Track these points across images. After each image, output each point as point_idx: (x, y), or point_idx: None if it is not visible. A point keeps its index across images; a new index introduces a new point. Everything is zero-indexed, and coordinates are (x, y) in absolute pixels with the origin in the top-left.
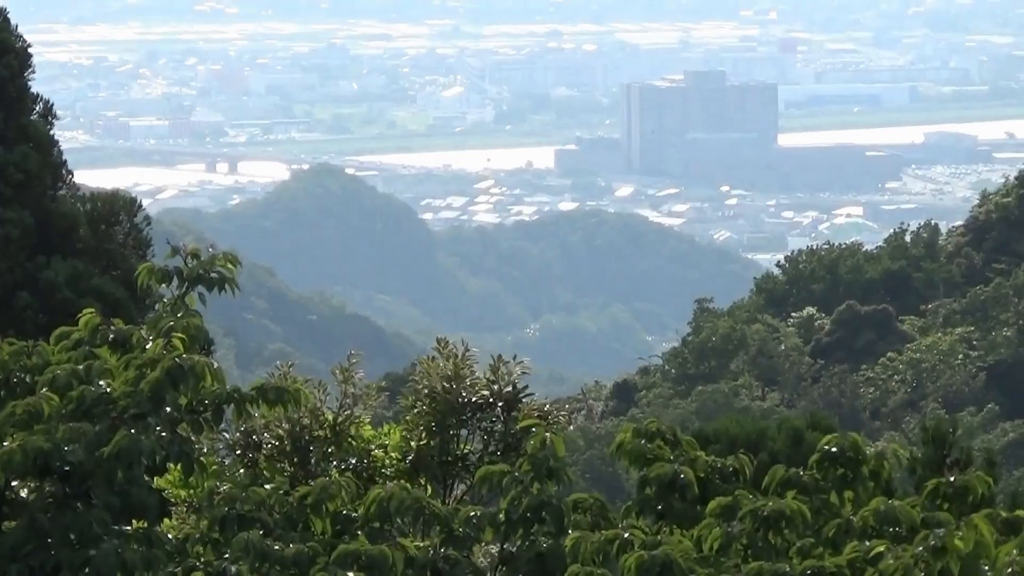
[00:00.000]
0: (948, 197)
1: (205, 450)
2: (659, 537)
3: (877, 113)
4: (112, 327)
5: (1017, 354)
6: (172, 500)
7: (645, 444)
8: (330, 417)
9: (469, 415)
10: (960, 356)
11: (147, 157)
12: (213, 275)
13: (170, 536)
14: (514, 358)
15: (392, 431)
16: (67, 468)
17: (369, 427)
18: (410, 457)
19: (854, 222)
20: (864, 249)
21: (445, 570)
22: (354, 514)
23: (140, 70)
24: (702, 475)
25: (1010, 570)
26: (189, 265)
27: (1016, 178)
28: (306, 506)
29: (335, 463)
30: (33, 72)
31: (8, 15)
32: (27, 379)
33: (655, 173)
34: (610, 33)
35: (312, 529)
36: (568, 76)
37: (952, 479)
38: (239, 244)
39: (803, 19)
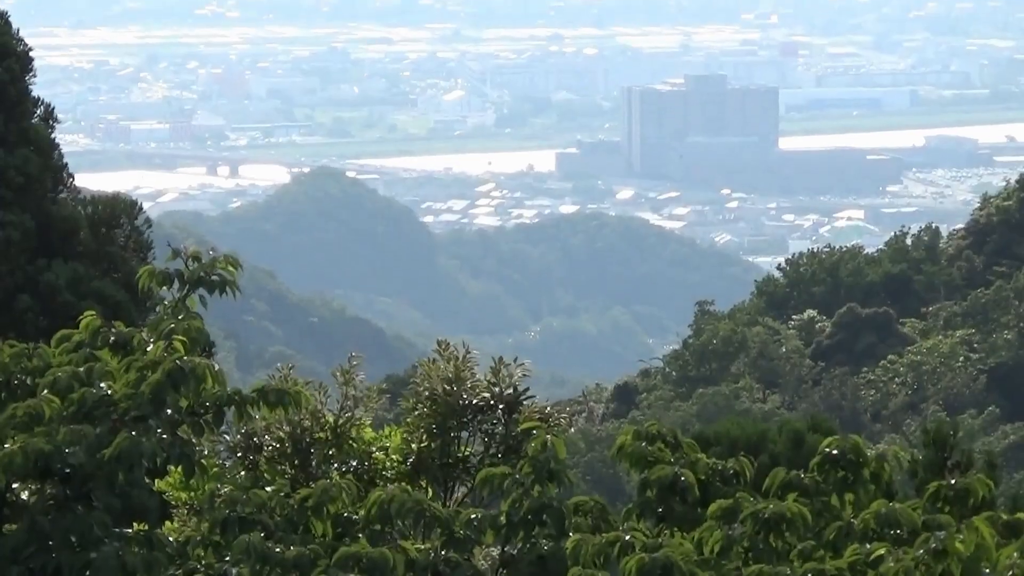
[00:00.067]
0: (949, 200)
1: (206, 452)
2: (660, 540)
3: (878, 116)
4: (113, 330)
5: (1018, 357)
6: (173, 502)
7: (646, 446)
8: (331, 419)
9: (470, 417)
10: (961, 359)
11: (148, 160)
12: (214, 278)
13: (171, 539)
14: (515, 360)
15: (393, 433)
16: (68, 470)
17: (370, 429)
18: (411, 459)
19: (855, 225)
20: (865, 252)
21: (446, 573)
22: (355, 516)
23: (141, 74)
24: (703, 477)
25: (1011, 573)
26: (190, 268)
27: (1017, 181)
28: (307, 508)
29: (336, 465)
30: (34, 75)
31: (9, 18)
32: (28, 381)
33: (656, 176)
34: (611, 37)
35: (313, 531)
36: (569, 80)
37: (953, 482)
38: (240, 247)
39: (804, 23)
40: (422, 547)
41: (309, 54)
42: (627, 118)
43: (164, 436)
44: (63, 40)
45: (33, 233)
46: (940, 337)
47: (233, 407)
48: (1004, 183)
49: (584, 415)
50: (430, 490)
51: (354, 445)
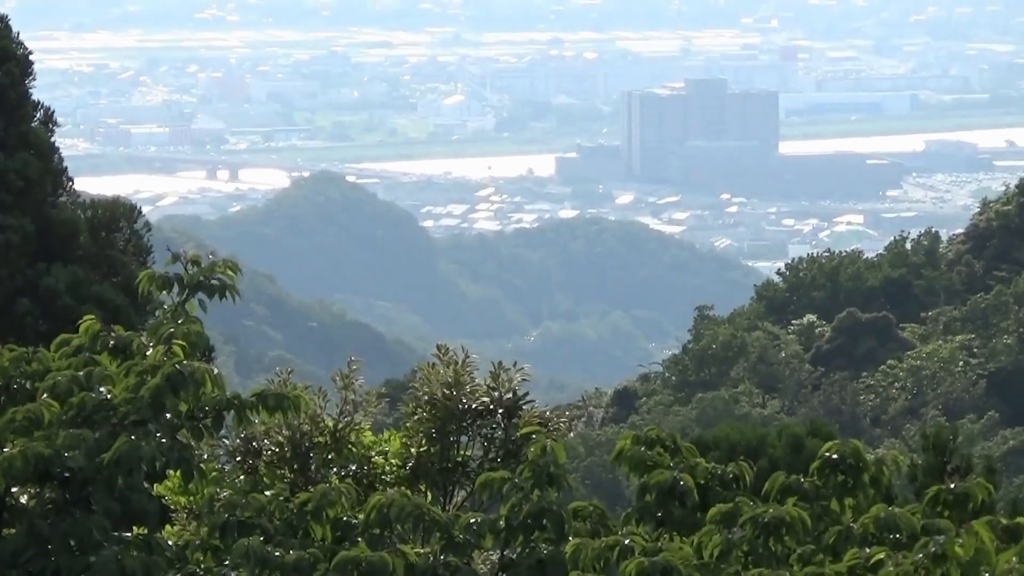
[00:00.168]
0: (948, 205)
1: (205, 456)
2: (659, 544)
3: (878, 121)
4: (112, 334)
5: (1017, 361)
6: (172, 507)
7: (645, 451)
8: (330, 424)
9: (469, 422)
10: (960, 363)
11: (148, 164)
12: (213, 282)
13: (170, 543)
14: (514, 365)
15: (392, 438)
16: (67, 474)
17: (369, 434)
18: (410, 464)
19: (855, 230)
20: (865, 257)
21: None
22: (354, 521)
23: (141, 77)
24: (702, 482)
25: None
26: (189, 272)
27: (1016, 186)
28: (306, 513)
29: (335, 469)
30: (34, 79)
31: (9, 22)
32: (27, 385)
33: (655, 181)
34: (611, 41)
35: (312, 536)
36: (569, 84)
37: (952, 486)
38: (239, 251)
39: (804, 27)
40: (421, 551)
41: (309, 58)
42: (627, 122)
43: (163, 440)
44: (63, 44)
45: (33, 237)
46: (940, 342)
47: (232, 411)
48: (1004, 188)
49: (583, 419)
50: (429, 494)
51: (353, 449)
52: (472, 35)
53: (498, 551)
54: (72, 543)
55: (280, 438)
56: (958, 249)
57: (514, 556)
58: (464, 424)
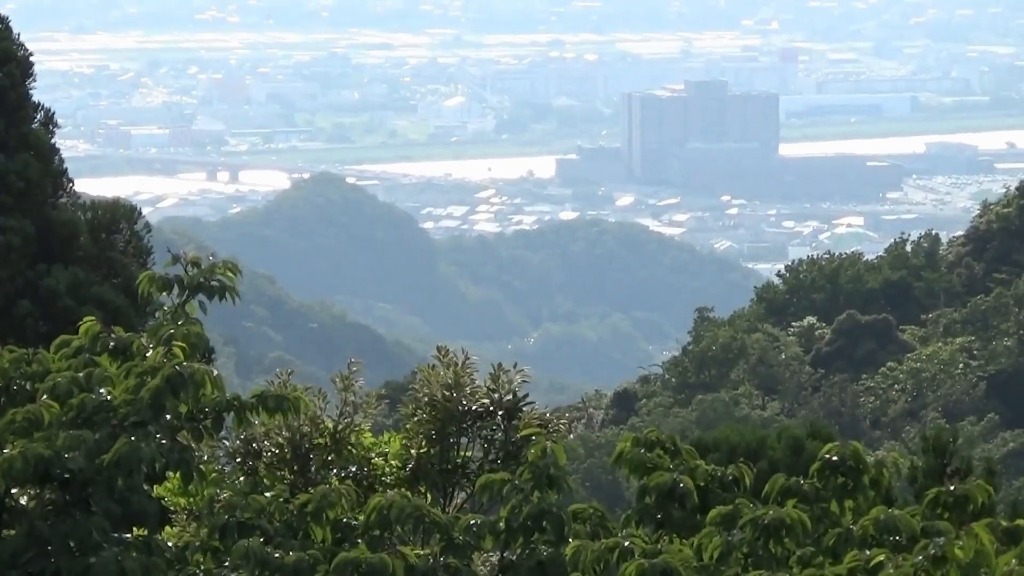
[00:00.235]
0: (949, 207)
1: (205, 458)
2: (659, 546)
3: (878, 123)
4: (113, 335)
5: (1017, 364)
6: (172, 508)
7: (645, 453)
8: (330, 425)
9: (469, 423)
10: (960, 366)
11: (148, 166)
12: (213, 283)
13: (170, 544)
14: (514, 367)
15: (392, 439)
16: (67, 475)
17: (369, 435)
18: (410, 465)
19: (855, 232)
20: (865, 259)
21: None
22: (354, 522)
23: (141, 79)
24: (702, 484)
25: None
26: (190, 273)
27: (1017, 188)
28: (306, 514)
29: (335, 471)
30: (34, 80)
31: (9, 23)
32: (27, 386)
33: (656, 183)
34: (611, 43)
35: (312, 537)
36: (569, 85)
37: (952, 488)
38: (239, 252)
39: (804, 29)
40: (421, 553)
41: (309, 59)
42: (627, 124)
43: (163, 441)
44: (63, 45)
45: (33, 238)
46: (940, 344)
47: (232, 413)
48: (1004, 190)
49: (583, 421)
50: (429, 496)
51: (353, 451)
52: (472, 37)
53: (498, 553)
54: (72, 544)
55: (280, 439)
56: (958, 251)
57: (514, 558)
58: (464, 426)
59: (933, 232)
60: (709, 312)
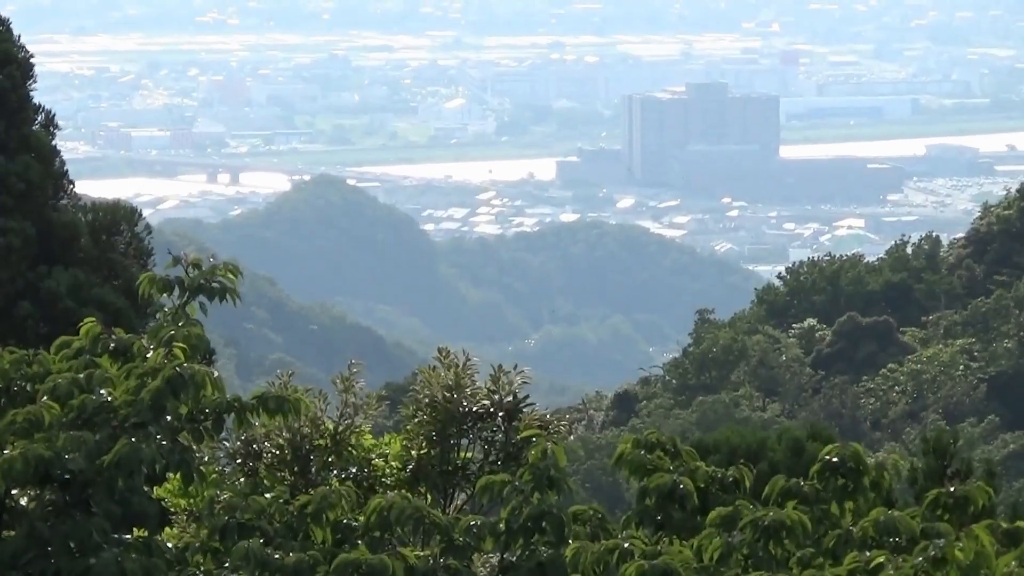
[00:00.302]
0: (949, 209)
1: (205, 459)
2: (659, 547)
3: (879, 125)
4: (113, 336)
5: (1018, 365)
6: (172, 509)
7: (645, 455)
8: (330, 426)
9: (470, 425)
10: (961, 367)
11: (148, 167)
12: (214, 285)
13: (170, 545)
14: (515, 368)
15: (393, 440)
16: (67, 476)
17: (370, 436)
18: (411, 466)
19: (855, 234)
20: (865, 261)
21: None
22: (354, 523)
23: (142, 81)
24: (702, 485)
25: None
26: (190, 275)
27: (1017, 190)
28: (306, 515)
29: (335, 472)
30: (35, 82)
31: (10, 25)
32: (28, 388)
33: (656, 185)
34: (612, 45)
35: (312, 538)
36: (570, 88)
37: (952, 490)
38: (240, 254)
39: (805, 31)
40: (421, 554)
41: (310, 61)
42: (628, 126)
43: (164, 443)
44: (64, 47)
45: (34, 240)
46: (940, 346)
47: (233, 414)
48: (1005, 192)
49: (584, 423)
50: (429, 497)
51: (354, 452)
52: (473, 39)
53: (498, 554)
54: (72, 545)
55: (280, 441)
56: (959, 253)
57: (514, 559)
58: (464, 427)
59: (934, 234)
60: (710, 314)
